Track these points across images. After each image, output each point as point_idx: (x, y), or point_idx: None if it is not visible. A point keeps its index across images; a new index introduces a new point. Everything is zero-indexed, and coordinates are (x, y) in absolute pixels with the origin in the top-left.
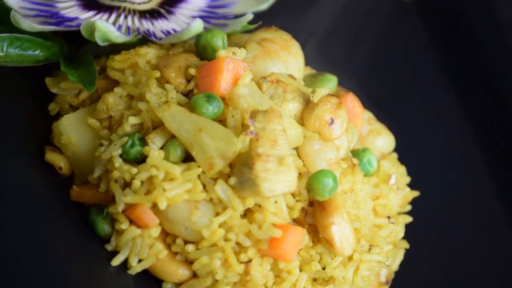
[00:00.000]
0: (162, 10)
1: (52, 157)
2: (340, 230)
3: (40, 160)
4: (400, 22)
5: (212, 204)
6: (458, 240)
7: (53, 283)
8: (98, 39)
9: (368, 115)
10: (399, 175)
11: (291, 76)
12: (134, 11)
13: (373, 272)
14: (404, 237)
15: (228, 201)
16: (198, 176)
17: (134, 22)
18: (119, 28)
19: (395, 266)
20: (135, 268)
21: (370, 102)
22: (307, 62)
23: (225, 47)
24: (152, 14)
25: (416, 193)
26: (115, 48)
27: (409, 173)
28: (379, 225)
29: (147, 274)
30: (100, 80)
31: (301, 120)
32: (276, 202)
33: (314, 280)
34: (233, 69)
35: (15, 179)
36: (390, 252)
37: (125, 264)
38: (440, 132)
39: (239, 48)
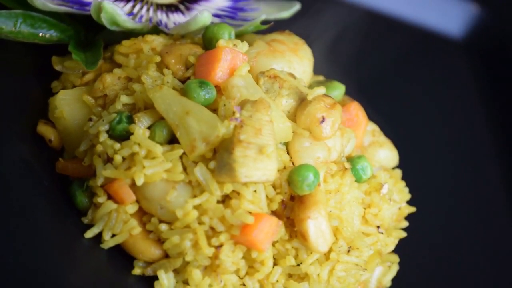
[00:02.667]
0: (182, 6)
1: (43, 129)
2: (316, 225)
3: (33, 133)
4: (436, 54)
5: (190, 186)
6: (457, 262)
7: (25, 251)
8: (105, 21)
9: (373, 127)
10: (398, 190)
11: (291, 75)
12: (152, 3)
13: (349, 274)
14: (400, 254)
15: (206, 185)
16: (181, 158)
17: (149, 12)
18: (132, 15)
19: (386, 281)
20: (108, 242)
21: (381, 118)
22: (322, 72)
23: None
24: (170, 8)
25: (412, 209)
26: (129, 37)
27: (412, 190)
28: (367, 233)
29: (120, 251)
30: (107, 64)
31: (294, 118)
32: (255, 191)
33: (290, 276)
34: (231, 59)
35: (7, 150)
36: (376, 261)
37: (99, 239)
38: (450, 156)
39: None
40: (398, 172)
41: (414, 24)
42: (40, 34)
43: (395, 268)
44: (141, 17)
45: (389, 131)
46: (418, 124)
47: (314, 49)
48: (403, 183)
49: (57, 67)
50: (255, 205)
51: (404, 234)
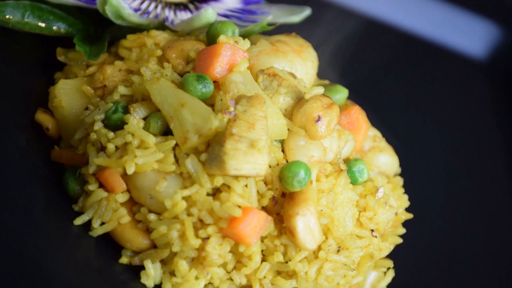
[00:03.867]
0: (191, 6)
1: (41, 118)
2: (304, 221)
3: (33, 122)
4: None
5: (181, 178)
6: (455, 272)
7: (14, 236)
8: (110, 14)
9: (375, 132)
10: (396, 196)
11: (291, 74)
12: (161, 1)
13: (337, 273)
14: (398, 261)
15: (196, 176)
16: (174, 149)
17: (157, 9)
18: (139, 10)
19: (381, 287)
20: (97, 230)
21: (391, 131)
22: (335, 81)
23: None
24: (178, 6)
25: (409, 215)
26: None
27: (414, 200)
28: (360, 235)
29: (109, 240)
30: (111, 57)
31: (291, 116)
32: (246, 186)
33: (278, 273)
34: (230, 55)
35: (5, 137)
36: (367, 264)
37: (89, 226)
38: (458, 173)
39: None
40: (398, 179)
41: (435, 42)
42: (47, 26)
43: (390, 275)
44: (148, 12)
45: (399, 145)
46: (428, 138)
47: (327, 57)
48: (401, 190)
49: (60, 58)
50: (244, 199)
51: (400, 240)
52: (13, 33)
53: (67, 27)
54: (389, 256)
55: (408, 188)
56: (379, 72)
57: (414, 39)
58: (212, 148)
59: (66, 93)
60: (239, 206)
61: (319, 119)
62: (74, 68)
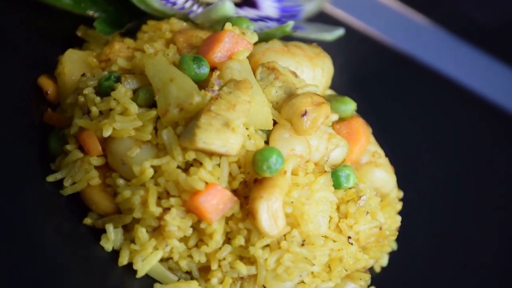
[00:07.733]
0: None
1: (43, 82)
2: (267, 206)
3: (36, 87)
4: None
5: (156, 149)
6: None
7: None
8: None
9: (376, 149)
10: (388, 215)
11: (293, 73)
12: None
13: (296, 266)
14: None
15: (169, 148)
16: (156, 122)
17: (186, 3)
18: (168, 2)
19: None
20: (67, 189)
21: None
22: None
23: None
24: (209, 5)
25: (394, 233)
26: None
27: (410, 223)
28: (335, 239)
29: (79, 202)
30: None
31: (281, 110)
32: (219, 165)
33: (241, 258)
34: (233, 43)
35: (7, 98)
36: (338, 269)
37: (61, 186)
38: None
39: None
40: (395, 200)
41: (470, 90)
42: (78, 6)
43: None
44: (174, 3)
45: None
46: (439, 177)
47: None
48: (394, 209)
49: (80, 33)
50: (213, 176)
51: (382, 257)
52: (45, 7)
53: (100, 12)
54: (378, 275)
55: (406, 211)
56: (406, 105)
57: (450, 83)
58: (189, 123)
59: (71, 61)
60: (207, 183)
61: (305, 113)
62: (92, 46)
